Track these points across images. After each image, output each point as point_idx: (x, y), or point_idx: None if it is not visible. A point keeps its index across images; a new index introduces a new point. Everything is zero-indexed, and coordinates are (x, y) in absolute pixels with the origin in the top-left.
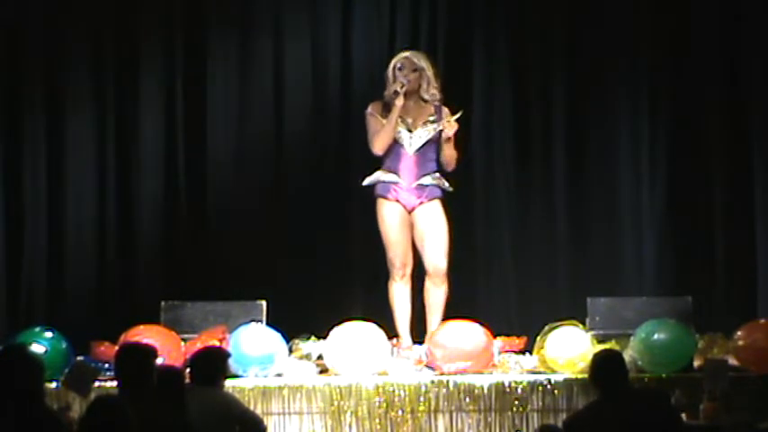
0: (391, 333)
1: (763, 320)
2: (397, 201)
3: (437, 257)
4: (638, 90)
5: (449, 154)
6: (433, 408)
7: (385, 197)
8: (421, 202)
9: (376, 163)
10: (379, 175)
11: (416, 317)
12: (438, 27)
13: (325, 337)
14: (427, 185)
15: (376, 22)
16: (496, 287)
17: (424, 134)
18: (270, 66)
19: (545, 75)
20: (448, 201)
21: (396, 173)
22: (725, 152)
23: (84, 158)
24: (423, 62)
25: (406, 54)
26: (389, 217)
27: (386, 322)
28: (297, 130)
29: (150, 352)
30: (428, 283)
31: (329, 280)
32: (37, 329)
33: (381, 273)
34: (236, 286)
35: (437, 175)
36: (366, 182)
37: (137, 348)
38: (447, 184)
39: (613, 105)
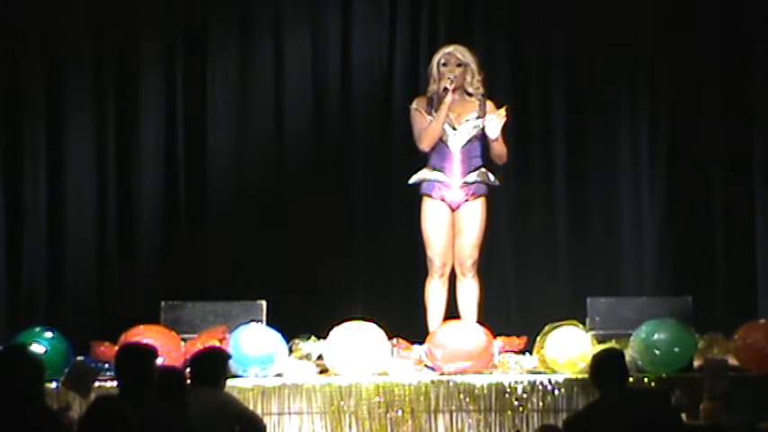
0: (391, 333)
1: (763, 320)
2: (443, 199)
3: (464, 249)
4: (638, 90)
5: (498, 151)
6: (433, 408)
7: (430, 195)
8: (466, 200)
9: (377, 162)
10: (424, 174)
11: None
12: (438, 27)
13: (325, 337)
14: (473, 183)
15: (376, 22)
16: (496, 287)
17: (468, 131)
18: (270, 66)
19: (545, 75)
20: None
21: (441, 170)
22: (725, 152)
23: (85, 159)
24: (467, 56)
25: (450, 49)
26: (433, 215)
27: (386, 322)
28: (297, 129)
29: (150, 352)
30: (458, 277)
31: (329, 280)
32: (37, 329)
33: (382, 272)
34: (236, 286)
35: (483, 170)
36: (411, 180)
37: (137, 348)
38: (493, 178)
39: (613, 105)
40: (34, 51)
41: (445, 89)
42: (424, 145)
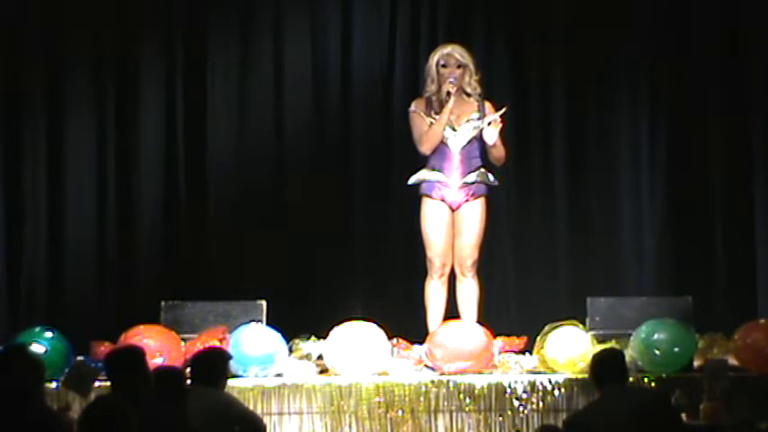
0: (391, 333)
1: (763, 320)
2: (442, 199)
3: (464, 249)
4: (639, 90)
5: (497, 154)
6: (433, 408)
7: (429, 196)
8: (466, 200)
9: (377, 162)
10: (423, 174)
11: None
12: (438, 27)
13: (325, 337)
14: (472, 183)
15: (376, 22)
16: (496, 287)
17: (467, 132)
18: (270, 66)
19: (545, 75)
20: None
21: (441, 171)
22: (725, 152)
23: (84, 158)
24: (466, 57)
25: (448, 50)
26: (433, 216)
27: (386, 322)
28: (297, 130)
29: (137, 353)
30: (458, 278)
31: (329, 280)
32: (37, 329)
33: (382, 272)
34: (236, 286)
35: (482, 170)
36: (411, 180)
37: (122, 352)
38: (492, 178)
39: (613, 105)
40: (34, 51)
41: (448, 93)
42: (425, 148)
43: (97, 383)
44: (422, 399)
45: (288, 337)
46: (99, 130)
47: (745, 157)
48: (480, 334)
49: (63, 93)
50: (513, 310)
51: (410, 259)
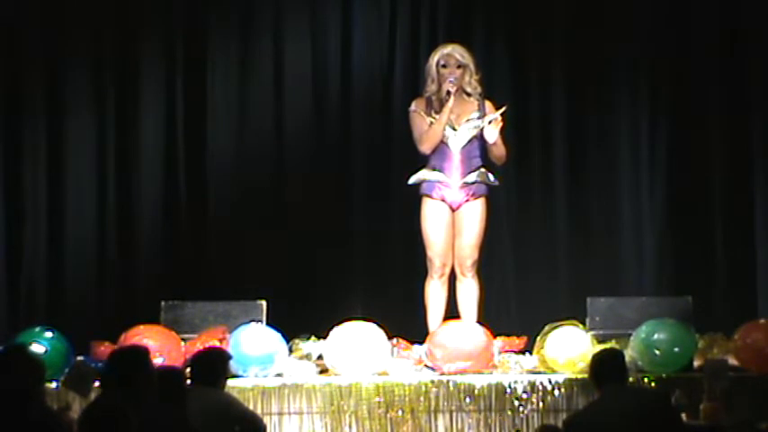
0: (391, 333)
1: (763, 320)
2: (443, 199)
3: (464, 249)
4: (639, 90)
5: (497, 153)
6: (433, 408)
7: (430, 196)
8: (466, 200)
9: (377, 162)
10: (424, 174)
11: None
12: (438, 27)
13: (325, 337)
14: (473, 183)
15: (376, 22)
16: (496, 287)
17: (468, 131)
18: (270, 66)
19: (545, 75)
20: None
21: (441, 171)
22: (725, 152)
23: (84, 158)
24: (466, 57)
25: (448, 50)
26: (433, 216)
27: (386, 322)
28: (297, 129)
29: (140, 352)
30: (458, 278)
31: (329, 280)
32: (37, 329)
33: (382, 272)
34: (236, 286)
35: (482, 170)
36: (411, 180)
37: (126, 351)
38: (493, 178)
39: (613, 105)
40: (34, 51)
41: (448, 92)
42: (425, 148)
43: (97, 383)
44: (422, 399)
45: (288, 337)
46: (99, 130)
47: (745, 157)
48: (480, 334)
49: (63, 93)
50: (513, 310)
51: (410, 259)
